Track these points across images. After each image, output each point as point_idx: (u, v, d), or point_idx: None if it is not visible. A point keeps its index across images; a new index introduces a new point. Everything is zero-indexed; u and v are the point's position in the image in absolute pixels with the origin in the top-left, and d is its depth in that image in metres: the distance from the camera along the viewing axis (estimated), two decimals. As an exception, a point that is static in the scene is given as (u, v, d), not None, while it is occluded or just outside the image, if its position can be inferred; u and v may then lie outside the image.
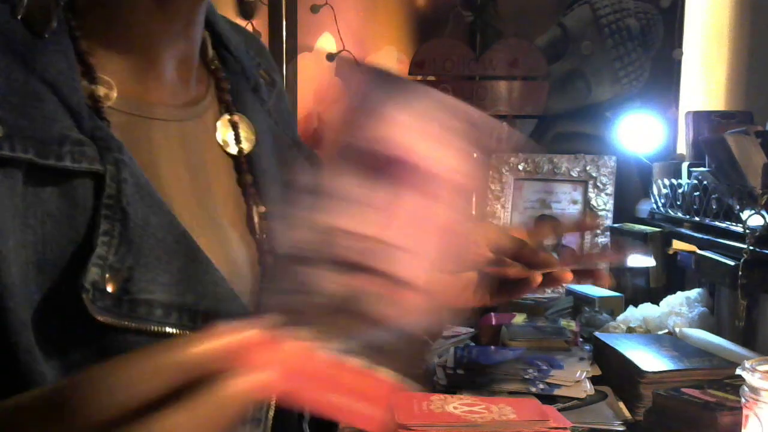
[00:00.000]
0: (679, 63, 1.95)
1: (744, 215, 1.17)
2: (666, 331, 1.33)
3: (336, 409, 0.33)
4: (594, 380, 1.14)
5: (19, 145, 0.44)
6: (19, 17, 0.48)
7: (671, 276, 1.58)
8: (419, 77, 2.02)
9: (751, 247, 1.14)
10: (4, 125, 0.44)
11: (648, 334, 1.34)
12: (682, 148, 1.87)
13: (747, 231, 1.16)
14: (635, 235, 1.59)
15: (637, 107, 1.92)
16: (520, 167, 1.87)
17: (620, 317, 1.44)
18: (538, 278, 0.65)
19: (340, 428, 0.62)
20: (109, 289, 0.45)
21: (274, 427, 0.53)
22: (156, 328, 0.47)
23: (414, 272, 0.35)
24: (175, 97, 0.57)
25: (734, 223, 1.24)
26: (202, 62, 0.62)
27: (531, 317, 1.43)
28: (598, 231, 1.66)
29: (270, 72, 0.70)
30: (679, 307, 1.38)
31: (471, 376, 1.15)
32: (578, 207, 1.81)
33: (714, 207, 1.33)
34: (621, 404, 1.08)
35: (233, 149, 0.60)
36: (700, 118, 1.65)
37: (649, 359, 1.11)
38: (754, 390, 0.74)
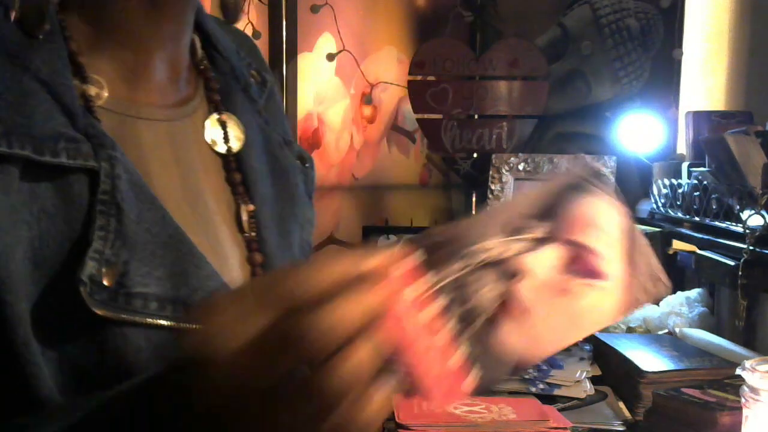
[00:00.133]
0: (679, 63, 1.95)
1: (744, 215, 1.17)
2: (666, 331, 1.34)
3: (413, 368, 0.35)
4: (594, 380, 1.14)
5: (16, 142, 0.45)
6: (12, 19, 0.48)
7: (671, 276, 1.57)
8: (419, 77, 2.02)
9: (751, 247, 1.14)
10: (1, 123, 0.45)
11: (648, 334, 1.35)
12: (682, 148, 1.87)
13: (747, 231, 1.16)
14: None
15: (637, 107, 1.92)
16: (520, 167, 1.87)
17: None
18: None
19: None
20: (106, 282, 0.46)
21: None
22: (151, 321, 0.48)
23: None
24: (165, 98, 0.58)
25: (734, 223, 1.24)
26: (191, 62, 0.62)
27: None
28: None
29: (261, 72, 0.70)
30: (679, 307, 1.38)
31: (471, 376, 1.15)
32: (578, 207, 1.80)
33: (714, 207, 1.33)
34: (621, 404, 1.08)
35: (222, 148, 0.61)
36: (700, 118, 1.65)
37: (649, 359, 1.11)
38: (754, 390, 0.74)
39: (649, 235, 1.55)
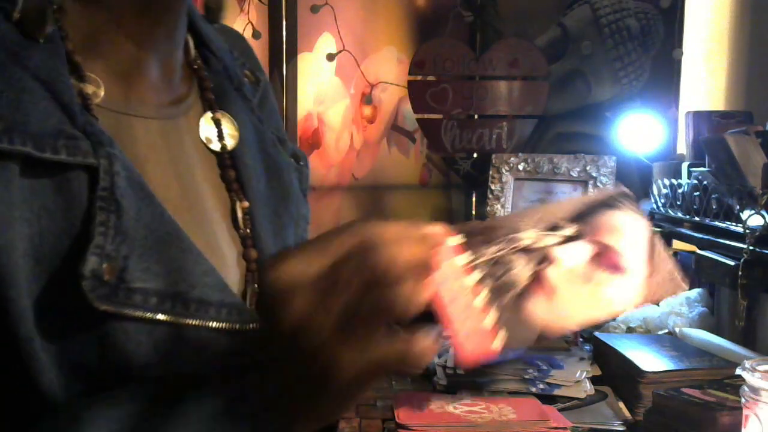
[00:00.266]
0: (679, 63, 1.95)
1: (744, 215, 1.17)
2: (666, 331, 1.34)
3: (451, 323, 0.41)
4: (594, 380, 1.14)
5: (17, 139, 0.45)
6: (13, 20, 0.49)
7: (671, 276, 1.58)
8: (419, 77, 2.02)
9: (751, 247, 1.14)
10: (3, 119, 0.45)
11: (648, 334, 1.35)
12: (682, 148, 1.87)
13: (747, 231, 1.16)
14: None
15: (637, 107, 1.92)
16: (520, 167, 1.87)
17: (620, 317, 1.44)
18: None
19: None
20: (107, 277, 0.47)
21: None
22: (151, 316, 0.49)
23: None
24: (160, 97, 0.59)
25: (734, 223, 1.24)
26: (185, 62, 0.63)
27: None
28: None
29: (254, 71, 0.71)
30: (679, 307, 1.38)
31: (471, 376, 1.15)
32: (578, 207, 1.81)
33: (714, 207, 1.33)
34: (621, 404, 1.08)
35: (216, 146, 0.62)
36: (700, 118, 1.65)
37: (649, 359, 1.11)
38: (754, 390, 0.74)
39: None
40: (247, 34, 1.96)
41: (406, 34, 2.17)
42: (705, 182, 1.36)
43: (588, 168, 1.80)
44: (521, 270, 0.45)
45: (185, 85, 0.62)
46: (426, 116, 2.04)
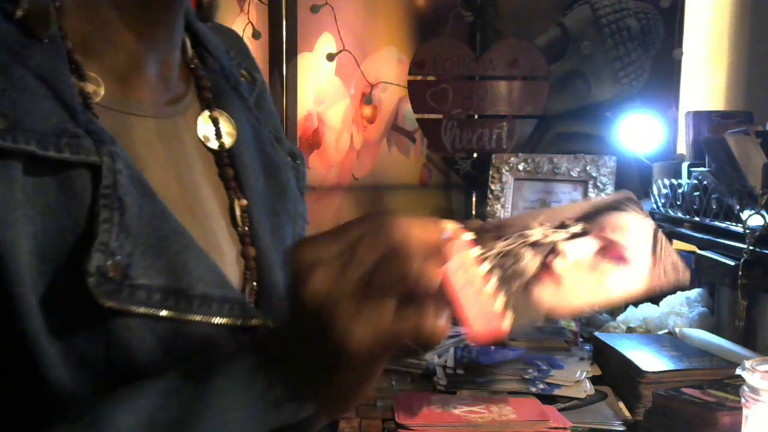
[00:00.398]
0: (679, 63, 1.95)
1: (744, 215, 1.17)
2: (666, 331, 1.33)
3: (461, 306, 0.44)
4: (594, 380, 1.14)
5: (20, 137, 0.46)
6: (15, 19, 0.49)
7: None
8: (419, 77, 2.02)
9: (751, 247, 1.14)
10: (6, 118, 0.46)
11: (648, 334, 1.34)
12: (682, 148, 1.87)
13: (747, 231, 1.16)
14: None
15: (637, 107, 1.92)
16: (520, 167, 1.87)
17: (620, 317, 1.44)
18: None
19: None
20: (111, 274, 0.47)
21: None
22: (155, 312, 0.49)
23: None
24: (158, 96, 0.59)
25: (734, 223, 1.24)
26: (181, 61, 0.63)
27: (531, 317, 1.43)
28: None
29: (251, 71, 0.72)
30: (679, 307, 1.38)
31: (471, 376, 1.15)
32: (578, 207, 1.81)
33: (714, 207, 1.33)
34: (621, 404, 1.08)
35: (214, 144, 0.62)
36: (700, 118, 1.65)
37: (649, 359, 1.11)
38: (754, 390, 0.74)
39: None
40: (247, 34, 1.96)
41: (406, 34, 2.17)
42: (705, 182, 1.36)
43: (588, 168, 1.80)
44: (529, 261, 0.48)
45: (183, 85, 0.63)
46: (426, 116, 2.04)
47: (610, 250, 0.50)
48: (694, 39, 1.96)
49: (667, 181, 1.57)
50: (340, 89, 2.11)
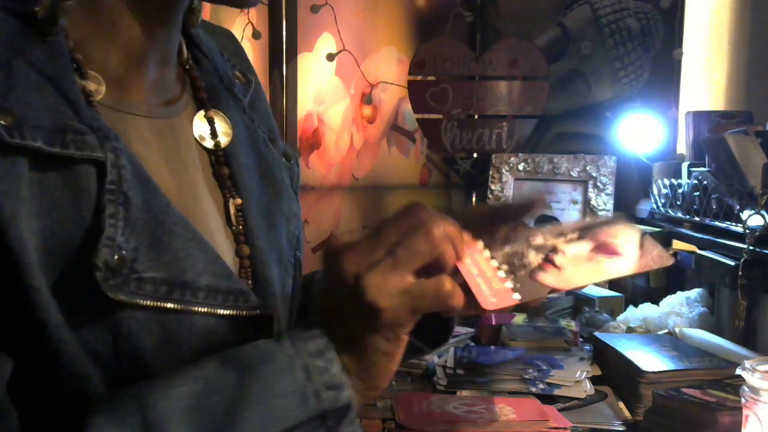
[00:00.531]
0: (679, 63, 1.95)
1: (744, 215, 1.17)
2: (666, 331, 1.33)
3: (473, 283, 0.51)
4: (594, 380, 1.14)
5: (28, 134, 0.46)
6: (29, 17, 0.50)
7: (671, 276, 1.58)
8: (419, 77, 2.02)
9: (751, 247, 1.14)
10: (13, 115, 0.46)
11: (648, 334, 1.34)
12: (682, 148, 1.87)
13: (747, 231, 1.16)
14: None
15: (637, 107, 1.92)
16: (520, 167, 1.87)
17: (620, 317, 1.44)
18: None
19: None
20: (118, 268, 0.48)
21: None
22: (162, 305, 0.50)
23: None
24: (156, 96, 0.60)
25: (734, 223, 1.24)
26: (177, 62, 0.64)
27: (531, 317, 1.43)
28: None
29: (245, 72, 0.73)
30: (679, 307, 1.38)
31: (471, 376, 1.15)
32: (578, 207, 1.81)
33: (714, 207, 1.33)
34: (621, 404, 1.08)
35: (209, 143, 0.63)
36: (700, 118, 1.65)
37: (649, 359, 1.11)
38: (754, 390, 0.74)
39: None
40: (247, 34, 1.96)
41: (406, 34, 2.17)
42: (705, 182, 1.36)
43: (588, 168, 1.80)
44: (533, 258, 0.54)
45: (179, 85, 0.64)
46: (426, 116, 2.04)
47: (603, 248, 0.57)
48: (694, 39, 1.96)
49: (667, 181, 1.57)
50: (340, 89, 2.11)
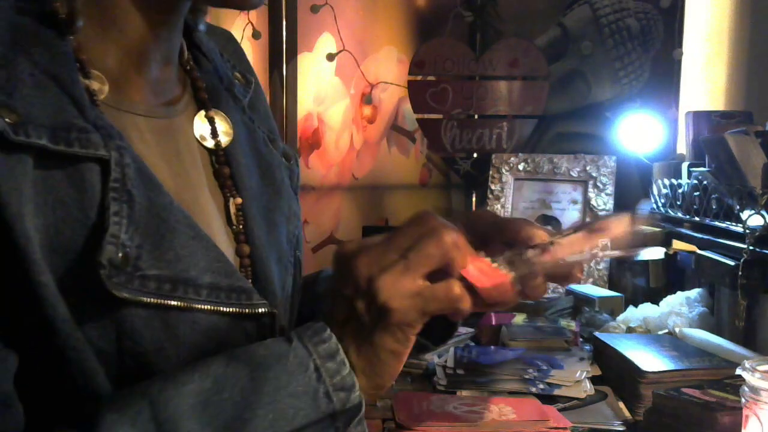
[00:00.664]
0: (679, 63, 1.95)
1: (744, 215, 1.17)
2: (666, 331, 1.33)
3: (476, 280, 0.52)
4: (594, 380, 1.14)
5: (33, 132, 0.47)
6: (49, 15, 0.51)
7: (671, 276, 1.58)
8: (419, 77, 2.02)
9: (751, 247, 1.14)
10: (18, 113, 0.47)
11: (648, 334, 1.34)
12: (682, 148, 1.87)
13: (747, 231, 1.16)
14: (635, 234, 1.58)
15: (637, 107, 1.92)
16: (520, 167, 1.87)
17: (620, 317, 1.44)
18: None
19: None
20: (123, 266, 0.49)
21: None
22: (165, 302, 0.51)
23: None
24: (157, 96, 0.60)
25: (734, 223, 1.24)
26: (178, 63, 0.65)
27: (531, 317, 1.43)
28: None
29: (245, 73, 0.73)
30: (679, 307, 1.38)
31: (471, 376, 1.15)
32: (578, 207, 1.81)
33: (714, 207, 1.33)
34: (621, 404, 1.08)
35: (210, 143, 0.63)
36: (700, 118, 1.65)
37: (649, 359, 1.11)
38: (754, 390, 0.74)
39: (649, 235, 1.55)
40: (247, 34, 1.96)
41: (406, 34, 2.17)
42: (705, 182, 1.36)
43: (588, 168, 1.80)
44: (531, 254, 0.56)
45: (180, 86, 0.64)
46: (426, 116, 2.04)
47: (595, 231, 0.59)
48: (694, 39, 1.96)
49: (667, 181, 1.57)
50: (340, 89, 2.11)
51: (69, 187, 0.49)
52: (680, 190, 1.49)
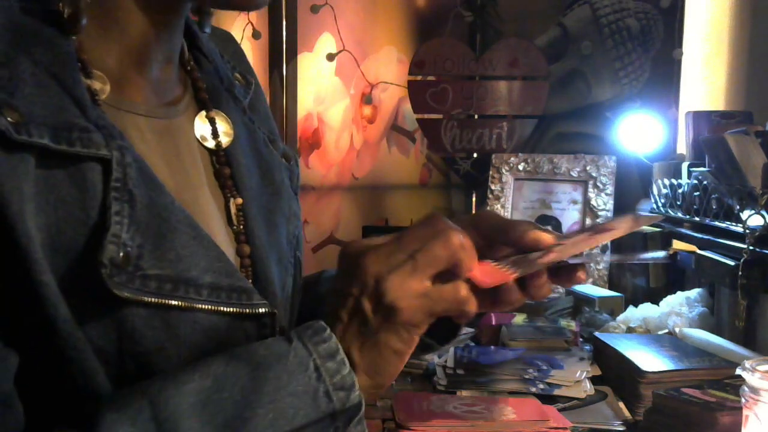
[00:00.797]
0: (679, 63, 1.95)
1: (744, 215, 1.17)
2: (666, 331, 1.33)
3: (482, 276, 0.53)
4: (594, 380, 1.14)
5: (35, 131, 0.47)
6: (56, 14, 0.51)
7: (671, 276, 1.58)
8: (419, 77, 2.02)
9: (751, 247, 1.14)
10: (20, 113, 0.47)
11: (648, 334, 1.34)
12: (682, 148, 1.87)
13: (747, 231, 1.16)
14: (635, 235, 1.59)
15: (637, 107, 1.92)
16: (520, 167, 1.87)
17: (620, 317, 1.44)
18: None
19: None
20: (124, 265, 0.49)
21: None
22: (166, 302, 0.51)
23: None
24: (158, 96, 0.60)
25: (734, 223, 1.24)
26: (179, 63, 0.65)
27: (531, 317, 1.43)
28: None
29: (245, 74, 0.73)
30: (679, 307, 1.38)
31: (471, 376, 1.15)
32: (578, 207, 1.81)
33: (714, 207, 1.33)
34: (621, 404, 1.08)
35: (211, 143, 0.64)
36: (700, 118, 1.65)
37: (649, 359, 1.11)
38: (754, 390, 0.74)
39: (649, 235, 1.55)
40: (247, 34, 1.96)
41: (406, 34, 2.17)
42: (705, 182, 1.36)
43: (588, 168, 1.80)
44: (535, 255, 0.57)
45: (180, 86, 0.64)
46: (426, 116, 2.04)
47: (599, 232, 0.61)
48: (694, 39, 1.96)
49: (667, 181, 1.57)
50: (340, 89, 2.11)
51: (70, 187, 0.49)
52: (680, 190, 1.49)
